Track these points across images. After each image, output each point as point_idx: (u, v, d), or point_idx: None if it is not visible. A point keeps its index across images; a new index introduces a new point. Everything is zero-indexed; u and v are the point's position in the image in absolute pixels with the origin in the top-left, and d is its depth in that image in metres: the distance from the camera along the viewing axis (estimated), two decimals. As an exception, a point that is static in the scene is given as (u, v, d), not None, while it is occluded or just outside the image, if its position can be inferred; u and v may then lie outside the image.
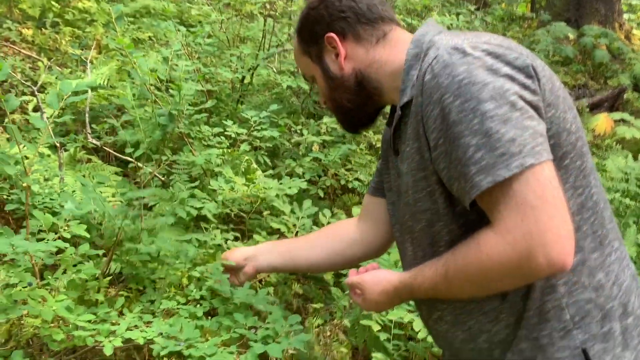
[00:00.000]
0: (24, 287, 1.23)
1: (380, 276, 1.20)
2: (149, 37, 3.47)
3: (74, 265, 1.34)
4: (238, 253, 1.48)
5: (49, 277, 1.29)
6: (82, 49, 3.22)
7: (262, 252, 1.46)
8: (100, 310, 1.25)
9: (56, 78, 3.00)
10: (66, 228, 1.27)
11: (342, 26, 1.16)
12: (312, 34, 1.20)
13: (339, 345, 2.02)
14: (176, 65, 2.10)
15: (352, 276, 1.25)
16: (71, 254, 1.30)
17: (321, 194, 2.50)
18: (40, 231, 1.31)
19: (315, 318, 2.06)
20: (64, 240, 1.22)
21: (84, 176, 2.32)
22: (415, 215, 1.10)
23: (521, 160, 0.89)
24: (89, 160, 2.45)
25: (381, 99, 1.20)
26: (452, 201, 1.03)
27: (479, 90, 0.92)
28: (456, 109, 0.93)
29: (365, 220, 1.41)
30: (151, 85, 2.03)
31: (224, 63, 3.00)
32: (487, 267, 0.94)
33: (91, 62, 2.83)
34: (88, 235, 1.30)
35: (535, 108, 0.95)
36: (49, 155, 2.24)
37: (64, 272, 1.30)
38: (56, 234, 1.29)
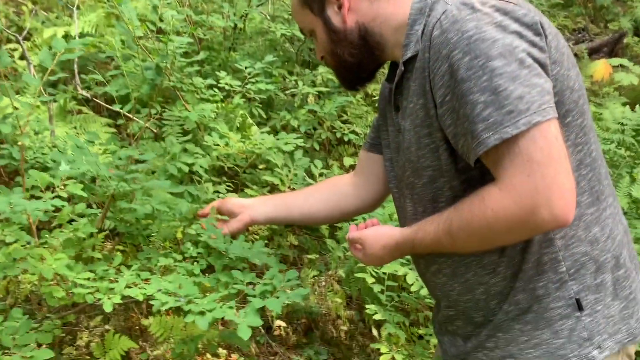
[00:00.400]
0: (22, 246, 1.22)
1: (381, 231, 1.21)
2: (137, -20, 3.32)
3: (70, 222, 1.33)
4: (234, 200, 1.47)
5: (47, 235, 1.28)
6: (68, -7, 3.08)
7: (258, 203, 1.46)
8: (98, 267, 1.25)
9: (42, 23, 2.88)
10: (62, 187, 1.25)
11: None
12: None
13: (333, 295, 2.06)
14: (165, 16, 2.00)
15: (352, 232, 1.26)
16: (68, 213, 1.29)
17: (316, 147, 2.48)
18: (33, 187, 1.29)
19: (310, 269, 2.08)
20: (61, 199, 1.21)
21: (75, 127, 2.28)
22: (417, 171, 1.10)
23: (529, 118, 0.89)
24: (80, 112, 2.40)
25: (383, 55, 1.17)
26: (455, 158, 1.03)
27: (488, 47, 0.91)
28: (465, 65, 0.92)
29: (360, 175, 1.41)
30: (142, 35, 1.96)
31: (215, 9, 2.89)
32: (492, 222, 0.95)
33: (78, 7, 2.72)
34: (85, 195, 1.28)
35: (542, 65, 0.95)
36: (38, 107, 2.18)
37: (61, 230, 1.29)
38: (52, 191, 1.26)
